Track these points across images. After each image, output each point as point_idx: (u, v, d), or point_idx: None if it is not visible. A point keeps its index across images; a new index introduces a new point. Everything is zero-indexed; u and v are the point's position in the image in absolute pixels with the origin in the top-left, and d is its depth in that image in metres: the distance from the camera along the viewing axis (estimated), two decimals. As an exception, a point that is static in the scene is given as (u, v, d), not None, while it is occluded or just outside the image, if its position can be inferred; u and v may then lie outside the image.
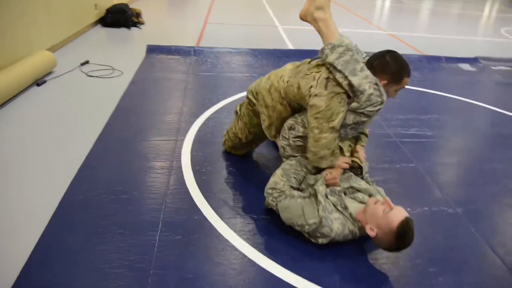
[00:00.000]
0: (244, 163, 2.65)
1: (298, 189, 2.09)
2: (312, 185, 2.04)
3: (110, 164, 2.51)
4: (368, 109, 1.95)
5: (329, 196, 1.97)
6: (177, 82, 3.99)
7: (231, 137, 2.63)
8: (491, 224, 2.25)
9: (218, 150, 2.78)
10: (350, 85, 1.93)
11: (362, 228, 1.91)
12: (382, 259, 1.91)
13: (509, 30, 8.59)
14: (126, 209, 2.11)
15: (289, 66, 2.27)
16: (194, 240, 1.94)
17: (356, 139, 2.29)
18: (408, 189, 2.52)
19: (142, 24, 6.48)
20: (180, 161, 2.60)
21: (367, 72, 1.95)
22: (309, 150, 2.07)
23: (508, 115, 3.89)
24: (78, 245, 1.84)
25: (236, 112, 2.64)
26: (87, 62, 4.43)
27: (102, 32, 5.95)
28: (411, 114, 3.63)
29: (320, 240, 1.88)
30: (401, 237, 1.75)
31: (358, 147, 2.26)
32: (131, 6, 6.59)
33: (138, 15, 6.51)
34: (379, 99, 1.94)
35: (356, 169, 2.22)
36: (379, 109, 1.97)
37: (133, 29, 6.21)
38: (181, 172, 2.48)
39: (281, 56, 5.07)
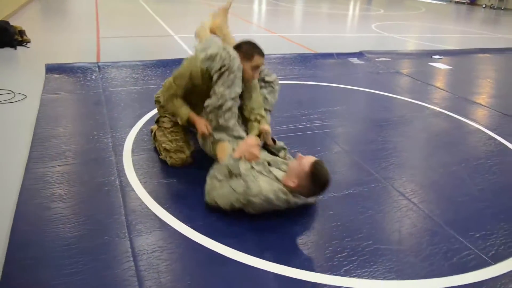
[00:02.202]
0: (191, 168, 2.69)
1: None
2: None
3: (53, 196, 2.34)
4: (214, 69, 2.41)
5: (254, 166, 2.17)
6: (92, 100, 3.82)
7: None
8: (420, 190, 2.63)
9: (160, 159, 2.77)
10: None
11: (295, 196, 2.14)
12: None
13: (378, 26, 9.75)
14: (90, 239, 2.01)
15: None
16: (174, 254, 1.93)
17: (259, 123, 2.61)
18: (348, 172, 2.82)
19: (28, 42, 5.97)
20: (126, 177, 2.54)
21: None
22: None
23: (396, 97, 4.50)
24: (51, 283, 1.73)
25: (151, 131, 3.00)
26: (-21, 88, 3.99)
27: (-17, 53, 5.36)
28: (324, 107, 4.00)
29: (256, 200, 2.06)
30: (316, 176, 2.05)
31: (262, 127, 2.56)
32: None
33: (21, 33, 5.98)
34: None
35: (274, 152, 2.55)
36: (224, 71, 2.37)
37: (19, 48, 5.70)
38: (132, 188, 2.44)
39: (189, 65, 5.13)
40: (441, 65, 6.19)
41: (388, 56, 6.34)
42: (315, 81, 4.85)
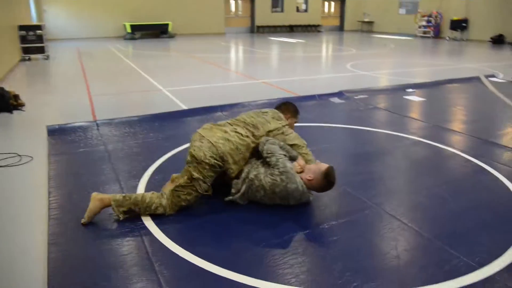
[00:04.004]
0: (201, 207, 2.93)
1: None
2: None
3: (79, 253, 2.56)
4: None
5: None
6: (97, 157, 4.07)
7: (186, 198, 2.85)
8: (409, 211, 2.92)
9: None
10: None
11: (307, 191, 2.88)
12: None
13: (354, 65, 10.39)
14: (121, 283, 2.23)
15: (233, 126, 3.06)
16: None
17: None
18: (343, 202, 3.10)
19: (23, 105, 6.24)
20: (144, 224, 2.77)
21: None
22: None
23: (378, 131, 4.88)
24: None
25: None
26: (-15, 153, 4.20)
27: (-19, 120, 5.59)
28: (314, 146, 4.30)
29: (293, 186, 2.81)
30: (328, 175, 2.80)
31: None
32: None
33: (16, 97, 6.26)
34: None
35: None
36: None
37: (15, 112, 5.94)
38: (151, 234, 2.66)
39: (182, 117, 5.47)
40: (415, 98, 6.69)
41: (365, 93, 6.82)
42: (302, 123, 5.20)
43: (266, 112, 3.26)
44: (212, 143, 2.83)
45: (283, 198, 2.84)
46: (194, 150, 2.86)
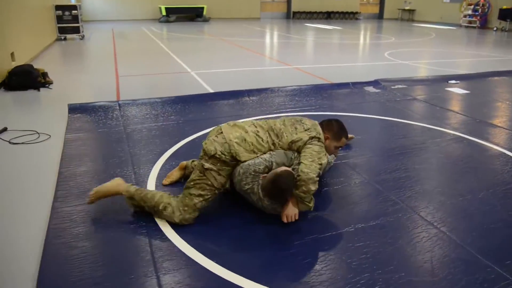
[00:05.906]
0: (214, 206, 2.68)
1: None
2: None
3: (79, 235, 2.36)
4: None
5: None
6: (114, 138, 3.89)
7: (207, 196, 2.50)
8: (449, 218, 2.57)
9: (184, 197, 2.77)
10: None
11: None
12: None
13: (391, 54, 9.83)
14: (117, 278, 2.01)
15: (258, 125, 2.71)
16: (198, 288, 1.92)
17: None
18: (373, 202, 2.77)
19: (51, 83, 6.18)
20: (152, 218, 2.54)
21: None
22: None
23: (416, 124, 4.46)
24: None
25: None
26: (5, 129, 4.11)
27: (8, 96, 5.56)
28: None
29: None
30: (276, 177, 2.32)
31: None
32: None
33: (44, 75, 6.21)
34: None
35: None
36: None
37: (43, 89, 5.89)
38: (157, 226, 2.43)
39: (206, 100, 5.23)
40: (458, 90, 6.17)
41: (403, 83, 6.35)
42: (333, 111, 4.86)
43: (304, 123, 2.71)
44: (227, 141, 2.53)
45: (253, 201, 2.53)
46: (206, 144, 2.58)
